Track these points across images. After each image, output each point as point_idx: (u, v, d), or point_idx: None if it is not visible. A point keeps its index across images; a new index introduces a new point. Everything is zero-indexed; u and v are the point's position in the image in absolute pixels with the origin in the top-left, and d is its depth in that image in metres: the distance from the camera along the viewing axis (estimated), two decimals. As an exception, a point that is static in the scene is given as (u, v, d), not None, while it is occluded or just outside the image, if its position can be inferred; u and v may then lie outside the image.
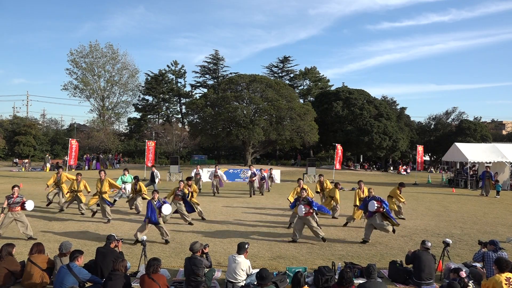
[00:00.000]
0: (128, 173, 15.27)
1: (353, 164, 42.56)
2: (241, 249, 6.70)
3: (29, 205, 9.58)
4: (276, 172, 25.38)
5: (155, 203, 9.33)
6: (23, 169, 32.59)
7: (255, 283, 5.79)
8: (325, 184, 13.86)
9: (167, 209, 9.30)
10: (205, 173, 24.15)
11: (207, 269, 6.78)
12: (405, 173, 37.00)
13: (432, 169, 40.71)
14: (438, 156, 42.49)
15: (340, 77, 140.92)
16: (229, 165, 37.18)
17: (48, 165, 33.65)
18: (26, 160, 37.61)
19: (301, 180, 12.65)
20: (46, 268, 6.64)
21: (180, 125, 49.98)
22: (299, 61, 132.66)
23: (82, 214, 12.66)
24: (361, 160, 45.02)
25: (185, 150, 45.67)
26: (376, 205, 9.49)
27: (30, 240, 9.08)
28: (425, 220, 12.98)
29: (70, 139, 26.56)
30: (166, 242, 9.35)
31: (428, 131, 46.71)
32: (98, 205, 12.01)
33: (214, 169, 18.76)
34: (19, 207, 9.48)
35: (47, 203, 13.64)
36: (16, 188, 9.55)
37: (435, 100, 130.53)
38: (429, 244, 7.23)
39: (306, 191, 10.39)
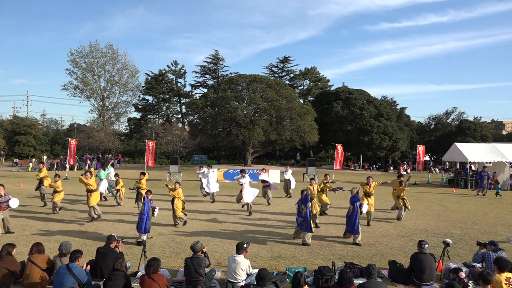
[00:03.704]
0: (105, 167, 16.33)
1: (353, 164, 42.54)
2: (240, 249, 6.70)
3: (14, 202, 10.15)
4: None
5: (150, 203, 9.49)
6: (30, 168, 32.59)
7: (255, 283, 5.79)
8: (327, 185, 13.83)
9: (156, 212, 9.80)
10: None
11: (207, 269, 6.79)
12: (405, 173, 36.97)
13: (432, 169, 40.69)
14: (438, 156, 42.48)
15: (340, 77, 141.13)
16: (229, 165, 37.17)
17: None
18: (34, 159, 37.66)
19: (314, 180, 12.79)
20: (46, 268, 6.64)
21: (180, 125, 49.94)
22: (299, 61, 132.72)
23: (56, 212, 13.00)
24: (361, 160, 44.99)
25: (185, 150, 45.63)
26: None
27: (30, 240, 9.09)
28: (425, 220, 12.98)
29: (69, 139, 26.58)
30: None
31: (428, 131, 46.66)
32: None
33: (205, 169, 16.75)
34: (7, 206, 10.06)
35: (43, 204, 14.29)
36: (1, 187, 9.96)
37: (435, 100, 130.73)
38: (427, 246, 7.11)
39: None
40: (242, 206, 13.91)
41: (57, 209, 13.02)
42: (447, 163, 40.71)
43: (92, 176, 11.98)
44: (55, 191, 13.04)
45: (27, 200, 14.90)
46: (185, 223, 11.44)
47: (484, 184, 21.17)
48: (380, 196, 17.54)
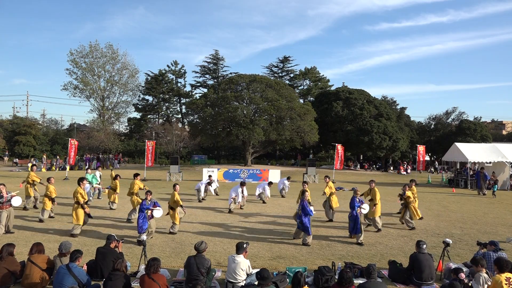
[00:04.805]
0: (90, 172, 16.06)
1: (353, 164, 42.52)
2: (239, 249, 6.70)
3: (16, 201, 10.13)
4: (275, 173, 25.05)
5: (148, 204, 9.53)
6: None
7: (255, 283, 5.79)
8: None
9: (158, 213, 9.68)
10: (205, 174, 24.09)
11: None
12: (405, 173, 36.98)
13: (432, 169, 40.70)
14: (438, 156, 42.53)
15: (340, 77, 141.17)
16: (229, 165, 37.18)
17: (42, 166, 33.77)
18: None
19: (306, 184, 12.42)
20: (46, 268, 6.64)
21: (180, 125, 49.96)
22: (299, 61, 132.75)
23: (41, 221, 11.54)
24: (361, 160, 44.99)
25: (185, 150, 45.64)
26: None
27: (30, 240, 9.08)
28: (425, 220, 12.97)
29: (70, 139, 26.56)
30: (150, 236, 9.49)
31: (428, 131, 46.68)
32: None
33: (208, 179, 17.63)
34: (9, 205, 10.06)
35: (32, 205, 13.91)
36: (1, 186, 9.92)
37: (435, 100, 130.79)
38: (425, 246, 7.16)
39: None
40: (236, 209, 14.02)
41: (42, 217, 11.63)
42: (436, 162, 41.07)
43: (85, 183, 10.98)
44: (47, 196, 11.81)
45: (27, 200, 14.86)
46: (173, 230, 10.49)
47: (481, 185, 21.23)
48: (380, 196, 17.51)
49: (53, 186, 12.10)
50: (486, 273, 6.15)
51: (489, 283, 5.96)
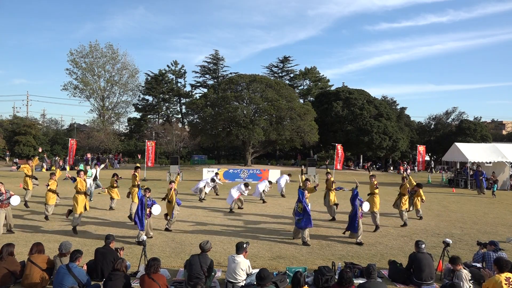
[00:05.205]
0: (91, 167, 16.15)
1: (353, 164, 42.51)
2: (239, 249, 6.70)
3: (14, 200, 10.15)
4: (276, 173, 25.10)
5: (147, 202, 9.50)
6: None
7: (255, 283, 5.79)
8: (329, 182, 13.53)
9: (157, 209, 9.65)
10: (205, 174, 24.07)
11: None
12: (405, 173, 36.93)
13: (432, 169, 40.71)
14: (438, 156, 42.53)
15: (340, 77, 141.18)
16: (229, 165, 37.17)
17: (45, 165, 33.78)
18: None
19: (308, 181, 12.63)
20: (46, 268, 6.64)
21: (180, 125, 49.95)
22: (299, 61, 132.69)
23: (47, 218, 11.75)
24: (361, 160, 44.97)
25: (185, 150, 45.64)
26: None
27: (30, 240, 9.09)
28: (425, 220, 12.98)
29: (70, 139, 26.58)
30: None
31: (428, 131, 46.65)
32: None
33: (215, 176, 18.24)
34: (8, 204, 10.08)
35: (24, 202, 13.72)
36: (0, 184, 9.97)
37: (435, 100, 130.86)
38: (424, 246, 7.18)
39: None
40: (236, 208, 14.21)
41: (47, 213, 11.77)
42: (433, 163, 41.19)
43: (85, 175, 11.06)
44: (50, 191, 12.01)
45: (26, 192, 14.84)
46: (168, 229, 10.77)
47: (480, 184, 21.28)
48: (380, 196, 17.52)
49: (55, 181, 12.31)
50: (465, 268, 6.59)
51: (469, 278, 6.36)
